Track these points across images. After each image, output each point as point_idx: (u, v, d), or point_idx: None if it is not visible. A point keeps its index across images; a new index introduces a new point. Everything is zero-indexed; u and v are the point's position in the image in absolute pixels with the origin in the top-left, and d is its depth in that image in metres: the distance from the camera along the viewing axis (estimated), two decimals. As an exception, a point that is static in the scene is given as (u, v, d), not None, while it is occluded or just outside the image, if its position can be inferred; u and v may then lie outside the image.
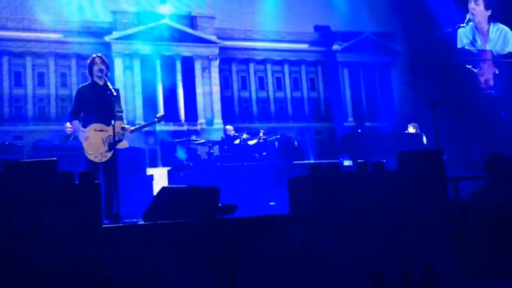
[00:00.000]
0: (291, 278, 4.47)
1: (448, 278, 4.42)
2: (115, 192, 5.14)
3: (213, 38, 13.63)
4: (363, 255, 4.57)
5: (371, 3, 13.01)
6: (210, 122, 13.51)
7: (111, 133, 5.39)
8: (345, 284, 4.44)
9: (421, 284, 3.63)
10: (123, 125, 5.54)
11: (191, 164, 9.37)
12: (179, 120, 13.86)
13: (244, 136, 9.71)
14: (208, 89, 13.66)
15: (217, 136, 10.95)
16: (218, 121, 13.22)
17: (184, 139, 10.03)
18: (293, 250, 4.56)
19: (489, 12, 13.34)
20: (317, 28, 13.26)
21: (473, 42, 13.20)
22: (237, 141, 9.72)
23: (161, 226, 4.21)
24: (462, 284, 4.55)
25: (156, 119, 5.92)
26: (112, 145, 5.45)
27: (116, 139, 5.36)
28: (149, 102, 13.70)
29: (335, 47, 13.27)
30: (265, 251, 4.46)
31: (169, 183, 8.93)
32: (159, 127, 12.83)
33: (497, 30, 13.34)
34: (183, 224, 4.29)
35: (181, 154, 9.91)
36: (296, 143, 10.67)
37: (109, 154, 5.49)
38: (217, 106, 13.36)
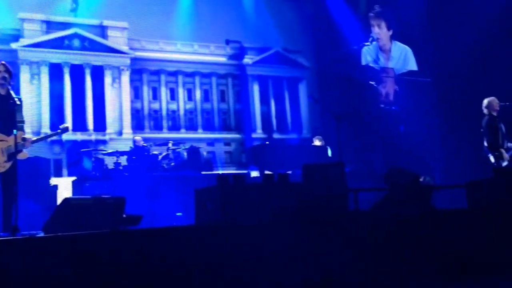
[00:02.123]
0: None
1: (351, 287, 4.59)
2: (14, 203, 4.99)
3: (124, 48, 13.47)
4: (264, 266, 4.65)
5: (282, 20, 13.38)
6: (119, 132, 13.31)
7: (11, 143, 5.25)
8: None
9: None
10: (23, 136, 5.41)
11: (97, 174, 9.22)
12: (87, 130, 13.57)
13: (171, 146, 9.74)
14: (118, 99, 13.48)
15: (126, 147, 10.81)
16: (127, 131, 13.06)
17: (91, 148, 9.85)
18: (197, 261, 4.58)
19: (391, 32, 14.06)
20: (228, 42, 13.43)
21: (376, 60, 13.85)
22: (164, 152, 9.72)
23: (61, 238, 4.11)
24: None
25: (59, 130, 5.84)
26: (11, 156, 5.30)
27: (17, 149, 5.22)
28: (57, 111, 13.31)
29: (246, 60, 13.49)
30: (169, 263, 4.46)
31: (73, 193, 8.73)
32: (66, 136, 12.48)
33: (399, 49, 14.08)
34: (85, 236, 4.20)
35: (87, 164, 9.72)
36: (205, 154, 10.73)
37: (8, 165, 5.34)
38: (127, 116, 13.20)
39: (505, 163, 8.56)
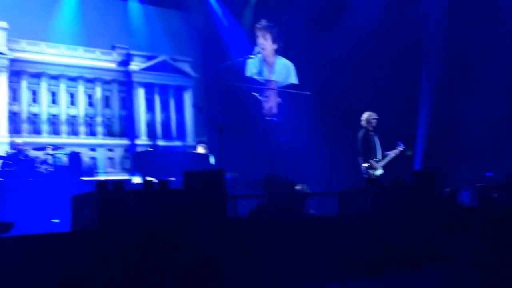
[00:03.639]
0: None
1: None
2: None
3: (3, 49, 12.90)
4: (139, 272, 4.68)
5: (170, 29, 13.42)
6: (-5, 136, 12.73)
7: None
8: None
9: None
10: None
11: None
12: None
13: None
14: (-5, 102, 12.88)
15: (3, 151, 10.37)
16: (3, 134, 12.49)
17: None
18: (72, 268, 4.53)
19: (275, 46, 14.59)
20: (115, 47, 13.28)
21: (260, 72, 14.29)
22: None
23: None
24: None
25: None
26: None
27: None
28: None
29: (132, 67, 13.40)
30: (42, 271, 4.37)
31: None
32: None
33: (282, 63, 14.64)
34: None
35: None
36: (86, 159, 10.53)
37: None
38: (3, 119, 12.63)
39: (378, 172, 9.20)
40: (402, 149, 9.41)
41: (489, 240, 4.25)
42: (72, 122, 12.74)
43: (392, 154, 9.35)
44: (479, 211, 4.42)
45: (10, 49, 12.95)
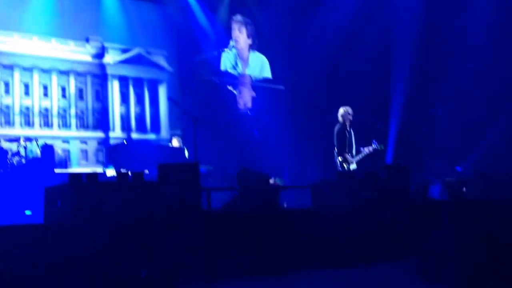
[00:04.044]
0: None
1: (192, 281, 4.77)
2: None
3: (-29, 40, 12.68)
4: (112, 263, 4.69)
5: (145, 22, 13.35)
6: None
7: None
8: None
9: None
10: None
11: None
12: None
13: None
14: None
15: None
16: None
17: None
18: (44, 260, 4.52)
19: (250, 41, 14.65)
20: (89, 39, 13.17)
21: (235, 66, 14.34)
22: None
23: None
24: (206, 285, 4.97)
25: None
26: None
27: None
28: None
29: (107, 60, 13.31)
30: (13, 262, 4.36)
31: None
32: None
33: (256, 57, 14.71)
34: None
35: None
36: (59, 151, 10.47)
37: None
38: (-25, 111, 12.44)
39: (353, 166, 9.35)
40: (376, 147, 9.57)
41: (458, 233, 4.37)
42: (45, 114, 12.61)
43: (366, 150, 9.52)
44: (449, 205, 4.54)
45: (-19, 40, 12.74)
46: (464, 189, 7.92)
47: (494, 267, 4.29)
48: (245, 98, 14.24)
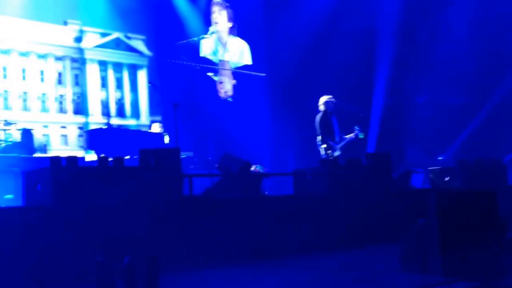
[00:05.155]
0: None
1: (174, 268, 4.74)
2: None
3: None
4: (90, 248, 4.63)
5: (124, 6, 13.17)
6: None
7: None
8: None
9: (145, 274, 3.88)
10: None
11: None
12: None
13: None
14: None
15: None
16: None
17: None
18: (25, 243, 4.46)
19: (230, 24, 14.54)
20: (67, 23, 12.97)
21: (215, 52, 14.25)
22: None
23: None
24: (186, 273, 4.93)
25: None
26: None
27: None
28: None
29: (85, 44, 13.13)
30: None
31: None
32: None
33: (236, 43, 14.61)
34: None
35: None
36: (38, 136, 10.29)
37: None
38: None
39: (337, 153, 9.40)
40: (357, 132, 9.64)
41: (440, 221, 4.41)
42: (24, 98, 12.42)
43: (348, 138, 9.59)
44: (432, 194, 4.57)
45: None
46: (447, 178, 7.99)
47: (475, 256, 4.32)
48: (226, 86, 14.20)
